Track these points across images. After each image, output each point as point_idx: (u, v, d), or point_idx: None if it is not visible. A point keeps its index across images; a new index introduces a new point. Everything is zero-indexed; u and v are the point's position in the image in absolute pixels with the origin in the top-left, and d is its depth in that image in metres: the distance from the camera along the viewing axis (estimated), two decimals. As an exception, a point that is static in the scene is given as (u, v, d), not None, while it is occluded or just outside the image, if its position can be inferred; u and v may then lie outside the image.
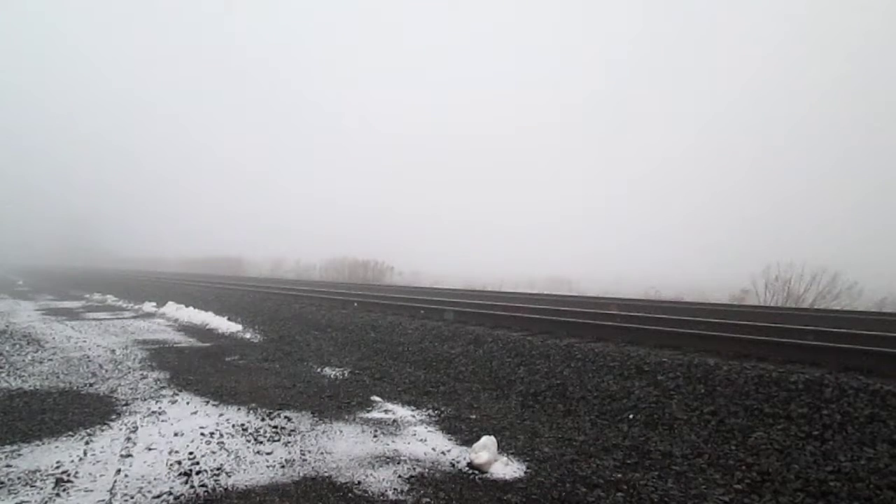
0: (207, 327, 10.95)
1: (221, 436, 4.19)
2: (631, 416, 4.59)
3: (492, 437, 3.85)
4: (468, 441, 4.13)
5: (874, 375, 4.44)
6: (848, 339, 5.89)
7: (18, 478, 3.31)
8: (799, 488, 3.31)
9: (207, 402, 5.17)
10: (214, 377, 6.31)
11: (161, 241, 74.45)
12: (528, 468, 3.67)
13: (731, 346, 5.66)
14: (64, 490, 3.15)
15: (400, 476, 3.52)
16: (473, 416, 4.91)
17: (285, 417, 4.73)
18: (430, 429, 4.55)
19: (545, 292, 20.77)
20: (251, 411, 4.89)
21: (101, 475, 3.38)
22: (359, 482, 3.39)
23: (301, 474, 3.49)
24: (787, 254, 17.05)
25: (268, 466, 3.61)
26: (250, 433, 4.27)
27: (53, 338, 9.19)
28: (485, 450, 3.71)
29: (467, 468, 3.67)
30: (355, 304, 11.88)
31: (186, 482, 3.30)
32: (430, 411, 5.07)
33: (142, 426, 4.39)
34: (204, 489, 3.21)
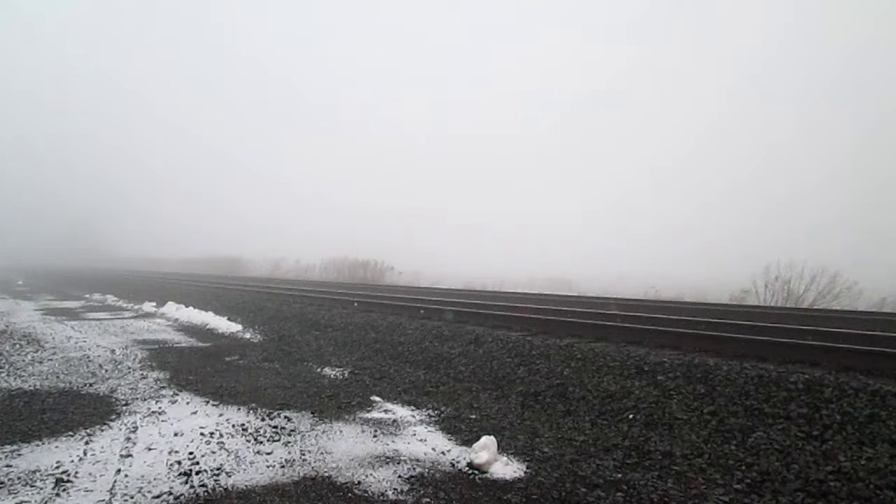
0: (207, 327, 10.95)
1: (221, 436, 4.19)
2: (631, 416, 4.59)
3: (492, 437, 3.85)
4: (468, 441, 4.13)
5: (874, 375, 4.44)
6: (848, 339, 5.89)
7: (18, 478, 3.31)
8: (799, 488, 3.31)
9: (207, 402, 5.17)
10: (214, 377, 6.31)
11: (161, 241, 74.42)
12: (528, 468, 3.67)
13: (731, 346, 5.66)
14: (64, 490, 3.15)
15: (400, 476, 3.52)
16: (473, 416, 4.91)
17: (285, 417, 4.73)
18: (430, 429, 4.55)
19: (545, 292, 20.76)
20: (251, 411, 4.89)
21: (101, 475, 3.38)
22: (359, 482, 3.40)
23: (301, 474, 3.49)
24: (788, 254, 17.03)
25: (268, 466, 3.61)
26: (250, 433, 4.27)
27: (53, 338, 9.19)
28: (485, 450, 3.71)
29: (467, 468, 3.67)
30: (355, 304, 11.88)
31: (186, 482, 3.30)
32: (430, 411, 5.07)
33: (142, 426, 4.39)
34: (204, 489, 3.21)
